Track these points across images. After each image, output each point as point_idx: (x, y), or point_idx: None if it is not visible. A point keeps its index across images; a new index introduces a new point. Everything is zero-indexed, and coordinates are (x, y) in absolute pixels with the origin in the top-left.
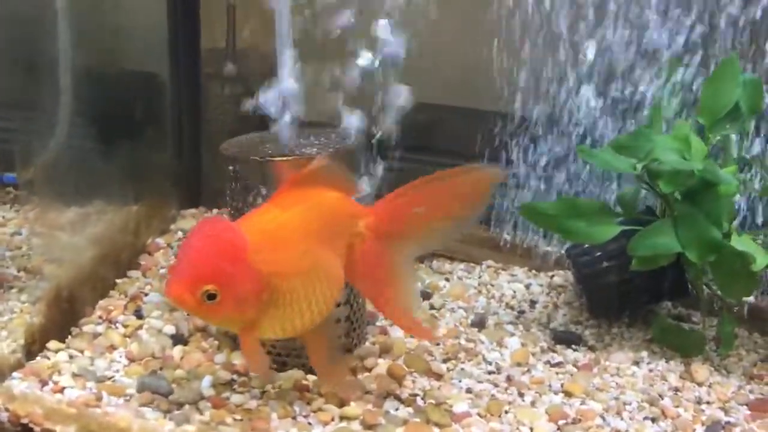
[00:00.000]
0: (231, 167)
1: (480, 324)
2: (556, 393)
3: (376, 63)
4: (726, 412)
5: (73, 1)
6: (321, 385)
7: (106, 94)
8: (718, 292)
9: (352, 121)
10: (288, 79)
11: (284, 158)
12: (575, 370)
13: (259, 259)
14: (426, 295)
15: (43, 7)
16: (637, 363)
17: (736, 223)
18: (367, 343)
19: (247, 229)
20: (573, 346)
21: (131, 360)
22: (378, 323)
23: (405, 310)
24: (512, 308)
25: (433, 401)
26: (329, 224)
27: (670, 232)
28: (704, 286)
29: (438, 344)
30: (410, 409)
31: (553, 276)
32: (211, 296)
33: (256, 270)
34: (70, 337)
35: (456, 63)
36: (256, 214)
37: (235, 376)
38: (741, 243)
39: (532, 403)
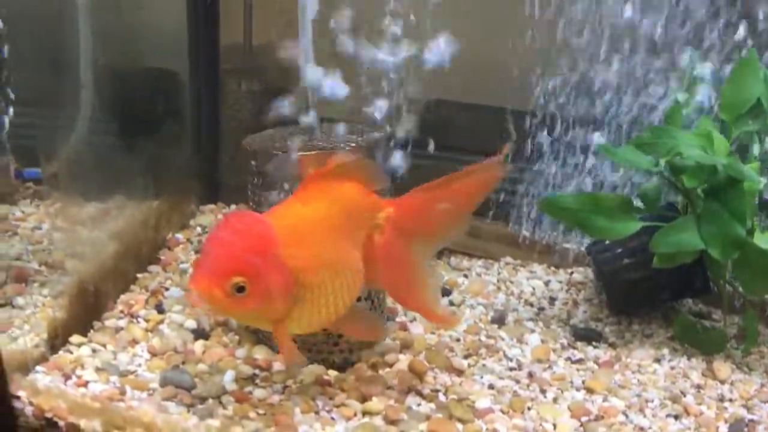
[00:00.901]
0: (253, 162)
1: (500, 320)
2: (578, 390)
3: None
4: (749, 409)
5: None
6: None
7: (126, 90)
8: (740, 289)
9: (375, 116)
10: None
11: (307, 153)
12: (596, 366)
13: (287, 254)
14: (445, 292)
15: (64, 5)
16: (658, 360)
17: None
18: (388, 339)
19: (273, 223)
20: (593, 343)
21: (153, 354)
22: (398, 319)
23: (426, 299)
24: (532, 305)
25: (455, 397)
26: (351, 217)
27: (693, 229)
28: (726, 284)
29: (458, 340)
30: (432, 405)
31: (572, 273)
32: (240, 289)
33: (284, 264)
34: (92, 331)
35: None
36: (281, 209)
37: (257, 371)
38: (765, 240)
39: (554, 400)
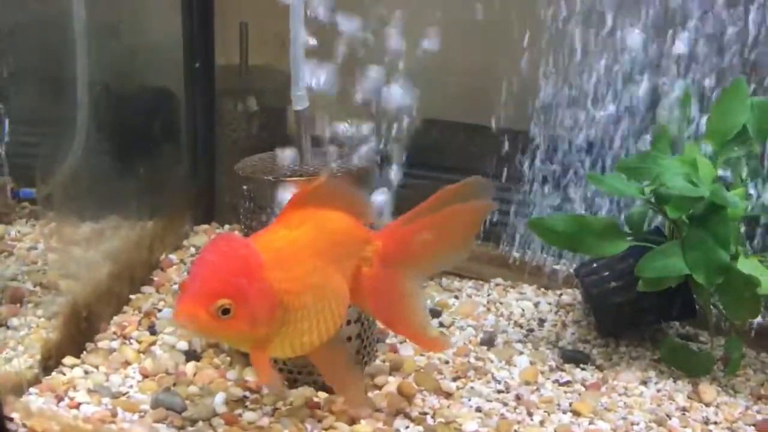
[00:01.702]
0: (245, 186)
1: (489, 342)
2: (564, 412)
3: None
4: None
5: (91, 19)
6: (341, 396)
7: (122, 111)
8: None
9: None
10: (301, 100)
11: (297, 179)
12: (583, 389)
13: (272, 277)
14: (435, 313)
15: (61, 26)
16: (644, 383)
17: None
18: (378, 361)
19: (259, 246)
20: (581, 365)
21: (145, 376)
22: (388, 341)
23: (415, 326)
24: (521, 326)
25: (443, 420)
26: (337, 244)
27: (678, 255)
28: (712, 307)
29: (447, 362)
30: (420, 428)
31: (561, 294)
32: (225, 311)
33: (270, 287)
34: (85, 352)
35: None
36: (266, 233)
37: (247, 393)
38: (747, 266)
39: (541, 423)
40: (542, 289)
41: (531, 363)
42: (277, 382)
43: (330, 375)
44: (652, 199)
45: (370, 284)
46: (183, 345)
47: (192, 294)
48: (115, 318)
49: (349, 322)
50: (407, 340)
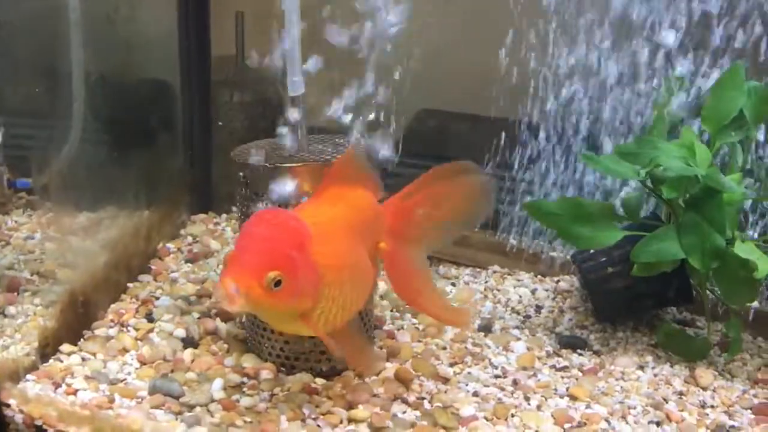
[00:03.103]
0: (241, 173)
1: (486, 328)
2: (561, 397)
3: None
4: (730, 416)
5: (87, 12)
6: (353, 365)
7: (118, 102)
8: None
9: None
10: (297, 85)
11: (293, 164)
12: (580, 374)
13: (316, 251)
14: None
15: (57, 19)
16: (642, 367)
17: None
18: (375, 348)
19: (306, 221)
20: (578, 351)
21: (143, 363)
22: (385, 327)
23: (437, 302)
24: (518, 313)
25: (440, 405)
26: (364, 222)
27: (673, 239)
28: (709, 292)
29: (444, 348)
30: (417, 413)
31: (558, 281)
32: (277, 283)
33: (315, 261)
34: (82, 340)
35: None
36: (310, 208)
37: (245, 379)
38: (744, 250)
39: (538, 407)
40: (539, 276)
41: (528, 349)
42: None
43: (345, 346)
44: (649, 183)
45: (389, 259)
46: (180, 332)
47: (244, 265)
48: (113, 306)
49: None
50: (430, 316)
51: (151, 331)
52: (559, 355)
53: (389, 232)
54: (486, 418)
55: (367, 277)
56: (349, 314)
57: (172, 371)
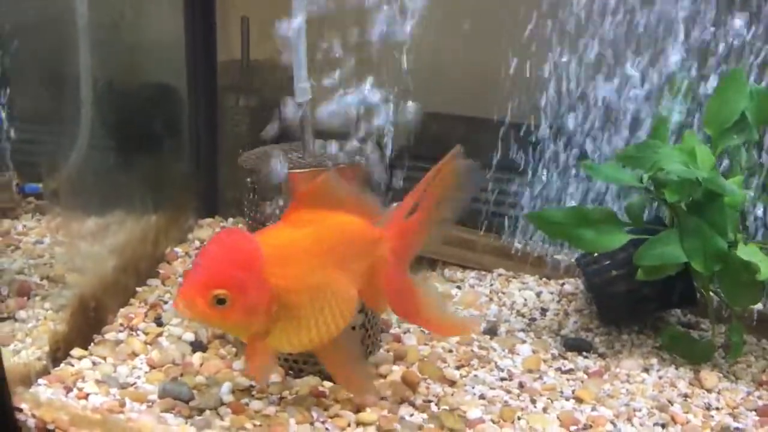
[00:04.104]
0: (249, 179)
1: (492, 331)
2: (567, 399)
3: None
4: (735, 417)
5: (94, 17)
6: (344, 390)
7: (125, 107)
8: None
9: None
10: (304, 92)
11: (301, 171)
12: (586, 376)
13: (270, 272)
14: None
15: (65, 24)
16: (647, 370)
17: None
18: (382, 351)
19: (262, 242)
20: (584, 353)
21: (152, 367)
22: (392, 331)
23: (439, 316)
24: (523, 316)
25: (446, 407)
26: (344, 246)
27: (676, 242)
28: (712, 294)
29: (450, 351)
30: (424, 415)
31: (563, 284)
32: (221, 301)
33: (267, 282)
34: (92, 344)
35: None
36: (271, 230)
37: (253, 383)
38: (747, 253)
39: (544, 410)
40: (544, 279)
41: (534, 351)
42: (266, 373)
43: (334, 371)
44: (651, 187)
45: (388, 283)
46: (189, 336)
47: (191, 283)
48: (122, 310)
49: (353, 327)
50: (435, 333)
51: (160, 335)
52: (564, 358)
53: (393, 253)
54: (492, 421)
55: (342, 301)
56: (321, 336)
57: (181, 375)
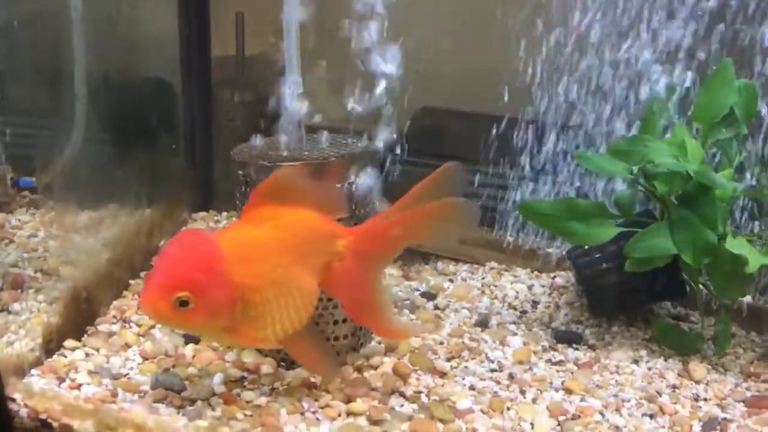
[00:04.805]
0: (241, 172)
1: (483, 324)
2: (556, 390)
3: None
4: (723, 408)
5: (89, 12)
6: (325, 382)
7: (120, 101)
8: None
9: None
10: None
11: (292, 163)
12: (576, 368)
13: (233, 271)
14: (430, 296)
15: (60, 19)
16: (636, 361)
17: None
18: (373, 342)
19: (222, 242)
20: (574, 345)
21: (145, 358)
22: None
23: (381, 318)
24: (515, 308)
25: (437, 398)
26: (303, 241)
27: (666, 235)
28: (701, 287)
29: (442, 343)
30: (415, 406)
31: (555, 277)
32: (184, 303)
33: (229, 280)
34: (86, 336)
35: None
36: (230, 229)
37: (245, 374)
38: (735, 245)
39: (534, 400)
40: (536, 272)
41: (524, 343)
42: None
43: (299, 358)
44: (641, 180)
45: (339, 278)
46: None
47: (153, 286)
48: (115, 302)
49: (336, 322)
50: (377, 335)
51: (152, 327)
52: (554, 350)
53: (353, 251)
54: (482, 411)
55: (304, 295)
56: (286, 330)
57: (173, 366)
